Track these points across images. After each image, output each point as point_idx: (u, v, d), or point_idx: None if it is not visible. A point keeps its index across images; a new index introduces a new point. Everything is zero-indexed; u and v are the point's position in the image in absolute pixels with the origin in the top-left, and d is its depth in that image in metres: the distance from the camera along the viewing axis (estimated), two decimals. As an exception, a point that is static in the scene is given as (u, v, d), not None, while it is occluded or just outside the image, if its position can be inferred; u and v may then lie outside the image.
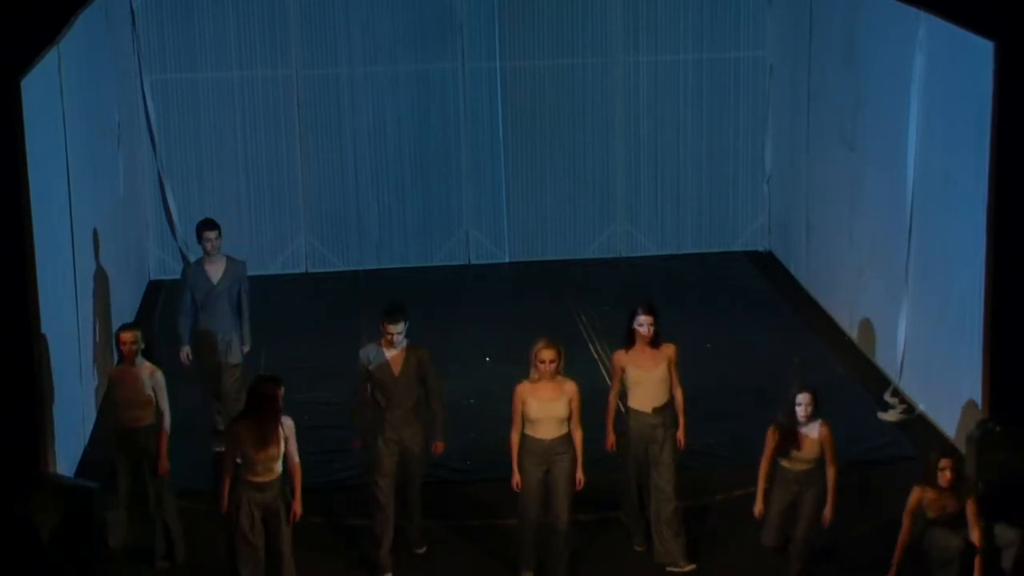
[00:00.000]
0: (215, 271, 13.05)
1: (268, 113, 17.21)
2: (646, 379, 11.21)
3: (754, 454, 12.73)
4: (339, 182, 17.47)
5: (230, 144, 17.27)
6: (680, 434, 11.39)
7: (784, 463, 10.88)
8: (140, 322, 11.94)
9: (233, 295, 13.06)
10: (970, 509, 10.63)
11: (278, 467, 10.36)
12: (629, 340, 11.25)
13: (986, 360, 12.00)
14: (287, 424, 10.40)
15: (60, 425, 11.81)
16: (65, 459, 12.01)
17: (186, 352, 13.10)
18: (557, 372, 10.90)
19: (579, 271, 17.44)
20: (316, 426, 13.47)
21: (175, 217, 17.25)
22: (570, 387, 10.95)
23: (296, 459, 10.44)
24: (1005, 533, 10.73)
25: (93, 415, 13.47)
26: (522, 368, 14.53)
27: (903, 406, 13.46)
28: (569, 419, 10.91)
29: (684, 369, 14.52)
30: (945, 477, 10.61)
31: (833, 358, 14.69)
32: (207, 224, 13.18)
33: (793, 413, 10.77)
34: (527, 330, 15.56)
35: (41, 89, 11.81)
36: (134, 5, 16.69)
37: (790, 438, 10.80)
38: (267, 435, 10.29)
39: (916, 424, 13.22)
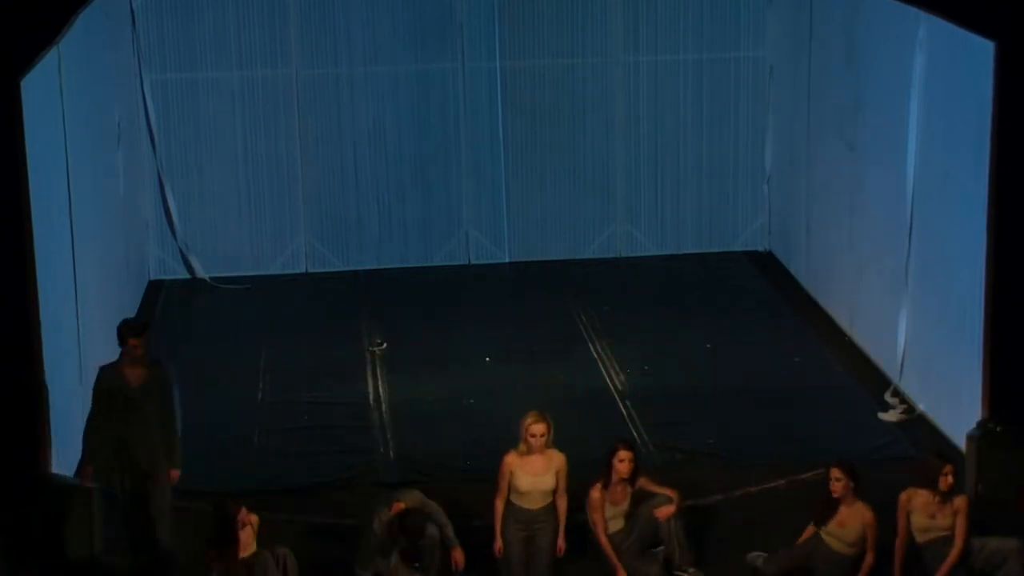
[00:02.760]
0: (136, 377, 11.08)
1: (268, 113, 17.21)
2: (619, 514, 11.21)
3: (753, 454, 12.82)
4: (339, 182, 17.48)
5: (230, 144, 17.27)
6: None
7: (824, 534, 10.87)
8: None
9: (156, 405, 11.11)
10: (959, 523, 10.64)
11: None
12: (606, 476, 11.03)
13: (986, 360, 12.00)
14: (251, 520, 10.53)
15: (59, 425, 11.80)
16: (64, 460, 12.01)
17: (89, 472, 11.08)
18: (547, 445, 10.97)
19: (579, 271, 17.44)
20: (316, 426, 13.52)
21: (175, 217, 17.26)
22: (558, 460, 11.02)
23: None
24: (1005, 544, 10.71)
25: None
26: (522, 368, 14.66)
27: (903, 406, 13.47)
28: (555, 490, 11.01)
29: (684, 369, 14.67)
30: (946, 482, 10.63)
31: (833, 358, 14.69)
32: (133, 329, 11.19)
33: (827, 490, 10.81)
34: (527, 330, 15.72)
35: (41, 89, 11.80)
36: (134, 5, 16.69)
37: (829, 509, 10.80)
38: (233, 552, 10.40)
39: (916, 424, 13.22)
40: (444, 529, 10.97)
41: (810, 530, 10.87)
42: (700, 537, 11.28)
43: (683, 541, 11.07)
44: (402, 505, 10.88)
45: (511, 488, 10.98)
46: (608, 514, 11.09)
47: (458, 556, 10.94)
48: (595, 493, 11.04)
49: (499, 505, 11.04)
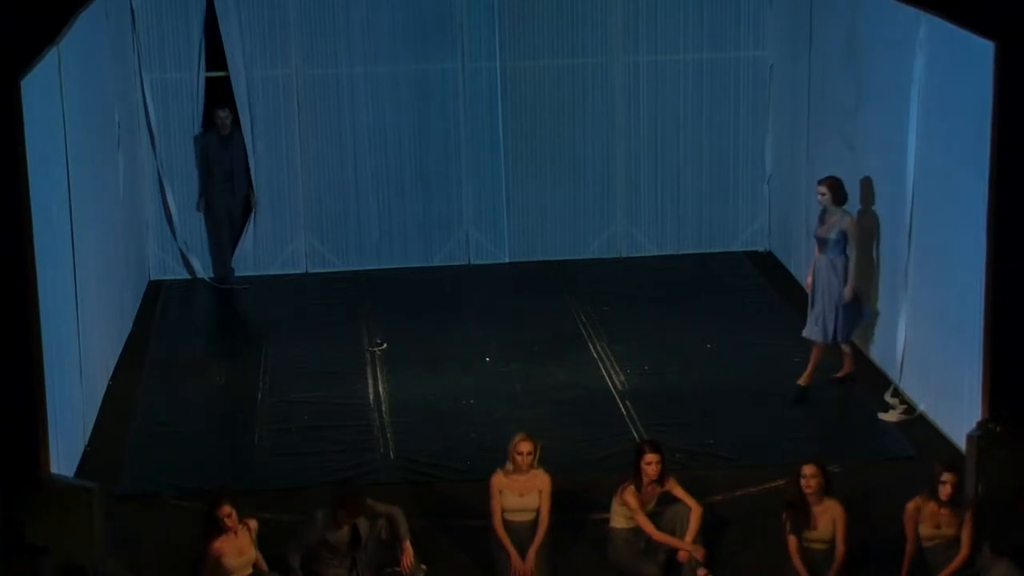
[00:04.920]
0: None
1: (268, 113, 17.20)
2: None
3: (754, 454, 12.82)
4: (339, 182, 17.48)
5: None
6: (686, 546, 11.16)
7: (804, 541, 10.85)
8: None
9: None
10: (965, 531, 10.65)
11: (252, 560, 10.60)
12: (636, 478, 11.14)
13: (986, 360, 12.01)
14: (251, 524, 10.61)
15: (60, 426, 11.81)
16: (65, 459, 12.02)
17: None
18: (532, 465, 11.12)
19: (579, 271, 17.45)
20: (317, 426, 13.51)
21: (175, 217, 17.26)
22: (543, 481, 11.17)
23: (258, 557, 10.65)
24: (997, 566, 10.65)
25: (94, 415, 13.49)
26: (522, 367, 14.66)
27: (903, 406, 13.47)
28: (539, 508, 11.15)
29: (684, 368, 14.66)
30: (944, 491, 10.64)
31: (833, 359, 14.67)
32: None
33: (799, 487, 10.79)
34: (527, 330, 15.72)
35: (41, 89, 11.80)
36: (134, 5, 16.67)
37: (801, 515, 10.79)
38: (230, 542, 10.50)
39: (916, 424, 13.23)
40: (395, 520, 10.92)
41: (793, 542, 10.82)
42: (699, 538, 11.25)
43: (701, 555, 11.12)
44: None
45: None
46: (625, 511, 11.13)
47: (407, 552, 10.87)
48: (630, 498, 11.07)
49: (499, 526, 11.13)
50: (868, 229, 14.43)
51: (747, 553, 11.37)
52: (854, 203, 14.61)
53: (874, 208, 14.41)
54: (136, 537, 11.48)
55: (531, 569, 11.01)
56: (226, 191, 17.06)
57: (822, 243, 13.79)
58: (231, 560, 10.49)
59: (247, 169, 17.06)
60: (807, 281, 14.08)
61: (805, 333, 13.98)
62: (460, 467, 12.72)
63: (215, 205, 17.11)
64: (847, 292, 13.67)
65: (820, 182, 13.91)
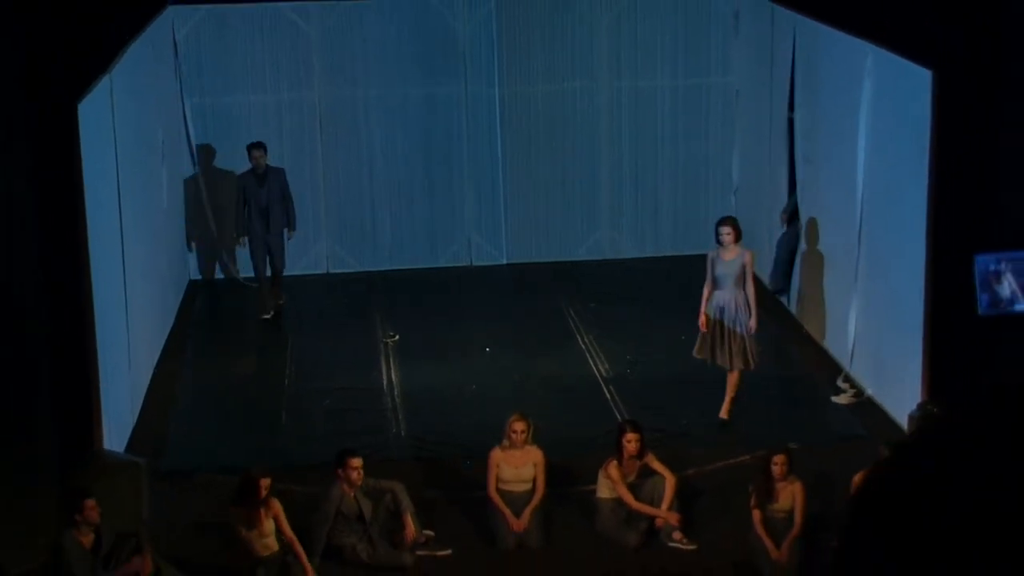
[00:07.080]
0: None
1: (294, 131, 17.31)
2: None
3: (723, 434, 12.93)
4: (356, 192, 17.59)
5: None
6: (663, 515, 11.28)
7: (769, 512, 11.03)
8: None
9: None
10: None
11: (272, 543, 10.67)
12: (618, 454, 11.27)
13: (926, 349, 12.14)
14: (274, 506, 10.70)
15: (111, 409, 11.96)
16: (116, 438, 12.17)
17: None
18: (526, 441, 11.28)
19: (569, 272, 17.55)
20: (336, 410, 13.61)
21: (211, 224, 17.38)
22: (536, 455, 11.33)
23: (289, 533, 10.70)
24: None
25: (140, 400, 13.64)
26: (518, 358, 14.78)
27: (853, 390, 13.59)
28: (535, 479, 11.30)
29: (662, 358, 14.76)
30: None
31: (791, 347, 14.83)
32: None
33: (769, 470, 10.96)
34: (523, 324, 15.84)
35: (95, 112, 11.94)
36: (177, 37, 16.82)
37: (766, 491, 10.97)
38: (253, 519, 10.62)
39: (865, 407, 13.36)
40: (397, 495, 11.02)
41: (756, 515, 10.97)
42: (675, 505, 11.41)
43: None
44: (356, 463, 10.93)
45: (497, 479, 11.28)
46: (609, 484, 11.29)
47: (408, 526, 10.93)
48: (613, 472, 11.21)
49: (494, 495, 11.27)
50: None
51: (718, 520, 11.53)
52: (813, 211, 14.77)
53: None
54: (175, 510, 11.63)
55: (525, 527, 11.19)
56: (262, 227, 16.10)
57: (723, 279, 12.94)
58: (253, 524, 10.66)
59: (284, 204, 16.24)
60: (701, 319, 13.00)
61: (725, 363, 13.17)
62: (463, 444, 12.77)
63: (254, 240, 16.17)
64: (753, 323, 12.99)
65: (723, 222, 13.11)
